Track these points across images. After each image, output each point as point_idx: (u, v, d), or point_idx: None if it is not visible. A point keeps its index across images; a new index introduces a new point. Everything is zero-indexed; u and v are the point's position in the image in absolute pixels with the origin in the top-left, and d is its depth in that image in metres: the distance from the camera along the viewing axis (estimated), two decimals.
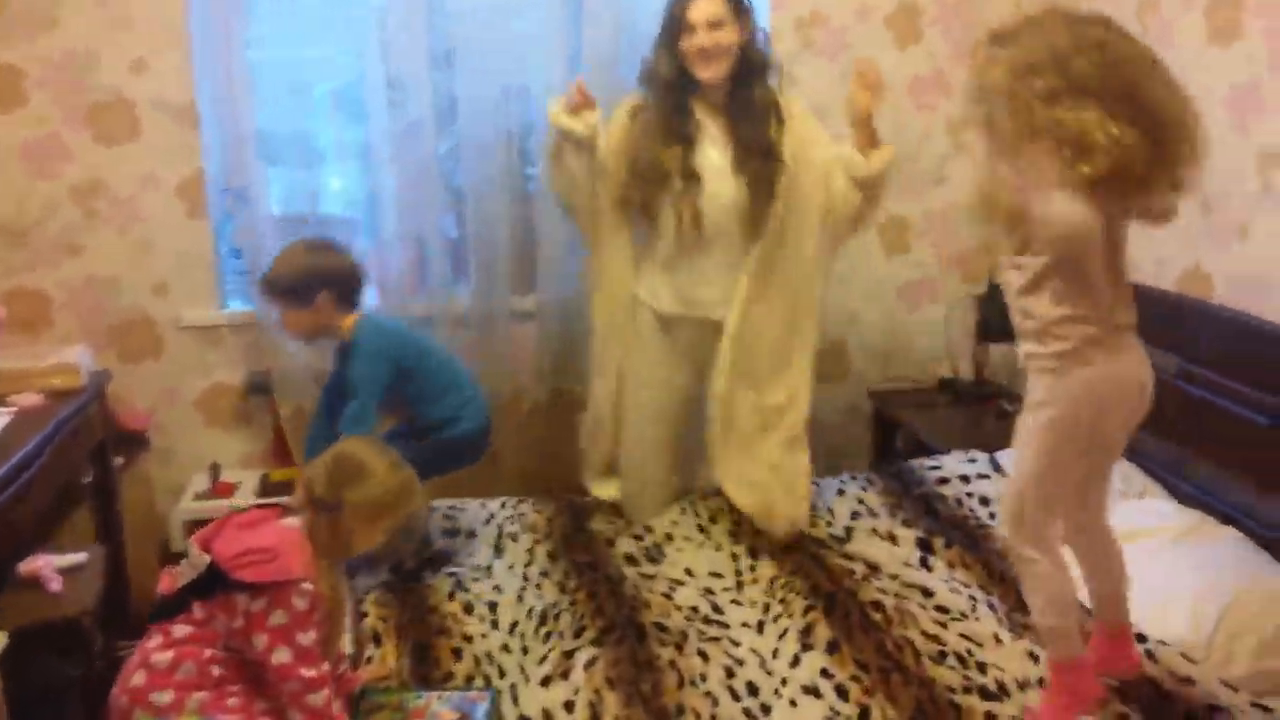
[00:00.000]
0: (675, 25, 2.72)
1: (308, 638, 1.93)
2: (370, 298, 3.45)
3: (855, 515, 2.88)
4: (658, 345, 2.91)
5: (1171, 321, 2.82)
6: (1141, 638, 2.21)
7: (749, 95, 2.76)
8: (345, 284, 2.73)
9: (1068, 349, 1.92)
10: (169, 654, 1.93)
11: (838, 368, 3.79)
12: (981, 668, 2.20)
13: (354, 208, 3.55)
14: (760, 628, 2.40)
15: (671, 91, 2.76)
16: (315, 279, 2.68)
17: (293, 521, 2.05)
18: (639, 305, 2.92)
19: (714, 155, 2.77)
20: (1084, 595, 2.16)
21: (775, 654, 2.30)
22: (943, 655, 2.24)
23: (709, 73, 2.71)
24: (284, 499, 2.21)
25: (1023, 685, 2.15)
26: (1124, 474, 2.80)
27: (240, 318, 3.43)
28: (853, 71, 2.67)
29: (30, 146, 3.24)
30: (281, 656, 1.91)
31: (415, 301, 3.49)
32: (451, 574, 2.63)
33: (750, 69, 2.76)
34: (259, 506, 2.12)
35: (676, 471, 3.00)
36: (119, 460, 3.16)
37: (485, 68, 3.37)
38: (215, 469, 3.35)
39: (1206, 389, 2.65)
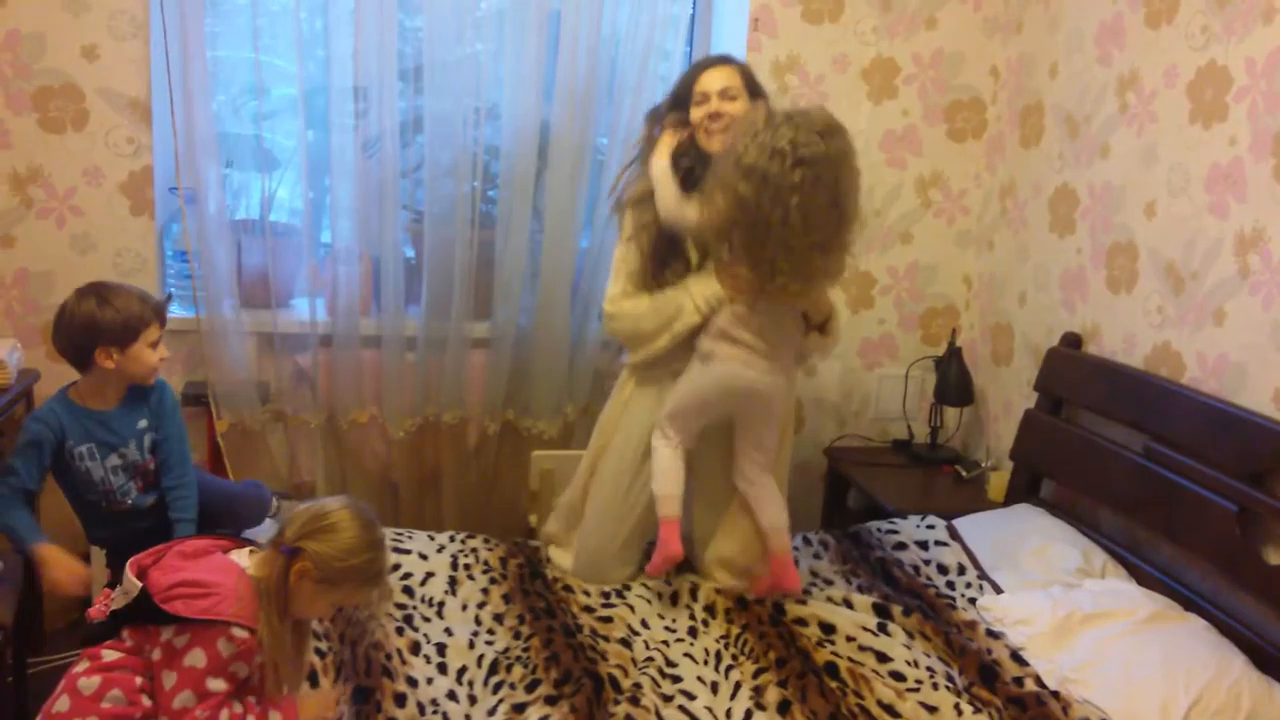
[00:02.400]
0: (685, 96, 2.64)
1: (217, 684, 1.80)
2: (318, 313, 3.33)
3: (811, 576, 2.80)
4: (646, 422, 2.75)
5: (1138, 399, 2.81)
6: None
7: None
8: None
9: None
10: (96, 679, 1.80)
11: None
12: None
13: (300, 217, 3.38)
14: (715, 688, 2.30)
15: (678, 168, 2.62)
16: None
17: (238, 556, 1.92)
18: (631, 378, 2.80)
19: None
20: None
21: (729, 714, 2.21)
22: None
23: (717, 143, 2.56)
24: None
25: None
26: (1084, 550, 2.77)
27: (180, 324, 3.24)
28: None
29: None
30: (185, 701, 1.78)
31: (366, 321, 3.37)
32: (400, 606, 2.49)
33: None
34: (206, 535, 1.97)
35: (637, 546, 2.81)
36: None
37: (454, 87, 3.27)
38: None
39: (1173, 471, 2.64)
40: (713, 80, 2.60)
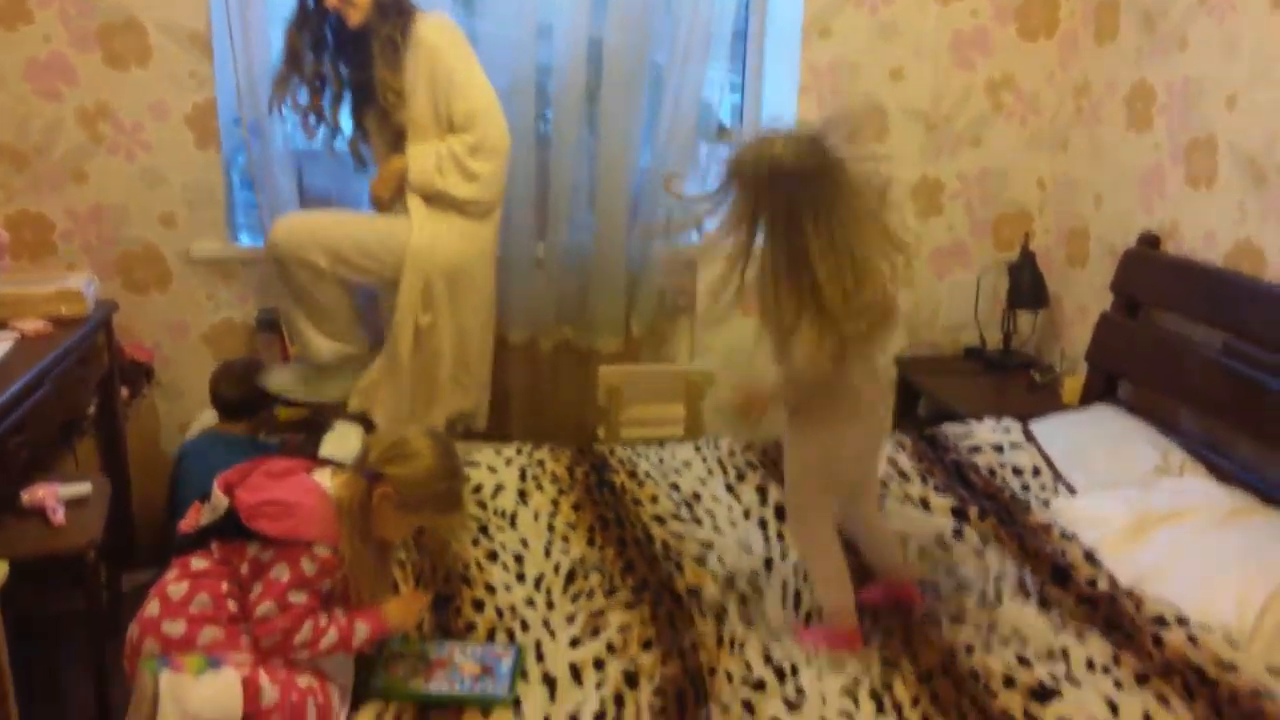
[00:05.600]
0: None
1: (299, 597, 1.85)
2: None
3: (889, 466, 2.79)
4: None
5: (1218, 296, 2.74)
6: (1183, 621, 2.12)
7: (380, 39, 2.88)
8: None
9: None
10: (184, 585, 1.86)
11: None
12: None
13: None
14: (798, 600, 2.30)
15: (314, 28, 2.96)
16: None
17: (321, 476, 1.96)
18: None
19: None
20: None
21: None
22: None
23: (349, 21, 2.86)
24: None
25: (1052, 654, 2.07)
26: (1162, 450, 2.73)
27: (251, 253, 3.31)
28: None
29: (34, 66, 3.10)
30: (266, 609, 1.84)
31: None
32: (473, 517, 2.53)
33: (383, 12, 2.86)
34: (291, 455, 2.01)
35: None
36: (124, 392, 3.06)
37: (507, 8, 3.24)
38: None
39: (1255, 367, 2.57)
40: None
